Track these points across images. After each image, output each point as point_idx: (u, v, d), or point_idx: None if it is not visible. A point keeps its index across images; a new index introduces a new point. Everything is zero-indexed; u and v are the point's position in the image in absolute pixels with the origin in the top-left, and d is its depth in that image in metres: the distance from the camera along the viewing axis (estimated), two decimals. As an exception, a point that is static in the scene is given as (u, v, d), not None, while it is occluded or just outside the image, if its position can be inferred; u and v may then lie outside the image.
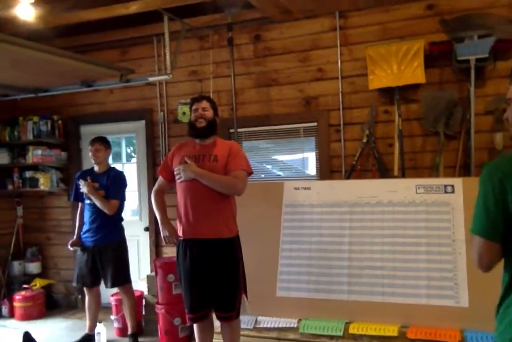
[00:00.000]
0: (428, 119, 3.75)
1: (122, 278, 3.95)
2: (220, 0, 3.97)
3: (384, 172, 3.83)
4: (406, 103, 3.86)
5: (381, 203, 3.45)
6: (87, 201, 3.96)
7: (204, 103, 3.06)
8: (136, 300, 4.09)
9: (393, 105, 3.81)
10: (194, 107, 3.07)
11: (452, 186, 3.32)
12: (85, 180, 3.94)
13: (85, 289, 4.05)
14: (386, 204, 3.43)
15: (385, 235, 3.37)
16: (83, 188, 3.90)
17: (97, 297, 4.06)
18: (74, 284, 4.10)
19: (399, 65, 3.76)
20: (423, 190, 3.38)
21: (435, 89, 3.79)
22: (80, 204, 4.10)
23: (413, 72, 3.73)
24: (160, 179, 3.19)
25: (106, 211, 3.84)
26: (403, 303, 3.17)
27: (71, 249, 4.01)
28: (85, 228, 3.98)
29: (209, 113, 3.05)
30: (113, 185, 3.93)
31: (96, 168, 4.05)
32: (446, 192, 3.32)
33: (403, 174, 3.72)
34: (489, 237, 1.47)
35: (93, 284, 3.99)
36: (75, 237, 4.03)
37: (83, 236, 3.98)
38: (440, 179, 3.48)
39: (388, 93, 3.88)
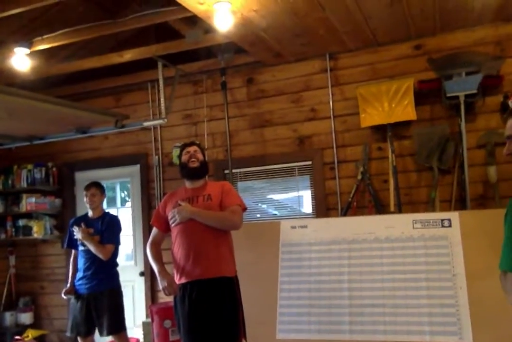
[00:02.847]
0: (421, 154, 3.80)
1: (118, 326, 3.81)
2: (213, 46, 4.11)
3: (380, 208, 3.83)
4: (399, 140, 3.92)
5: (379, 239, 3.42)
6: (81, 247, 3.89)
7: (195, 148, 3.14)
8: None
9: (386, 142, 3.87)
10: (185, 151, 3.13)
11: (449, 220, 3.31)
12: (79, 226, 3.89)
13: (79, 338, 3.91)
14: (384, 240, 3.41)
15: (384, 272, 3.32)
16: (77, 234, 3.85)
17: None
18: (68, 334, 3.96)
19: (390, 103, 3.85)
20: (420, 225, 3.36)
21: (427, 125, 3.86)
22: (73, 251, 4.02)
23: (404, 109, 3.82)
24: (154, 230, 3.13)
25: (101, 256, 3.77)
26: (406, 341, 3.08)
27: (65, 297, 3.90)
28: (79, 275, 3.88)
29: (200, 156, 3.12)
30: (108, 230, 3.88)
31: (90, 213, 4.02)
32: (443, 226, 3.31)
33: (399, 209, 3.73)
34: None
35: (88, 333, 3.84)
36: (68, 285, 3.92)
37: (77, 283, 3.87)
38: (437, 213, 3.47)
39: (380, 131, 3.96)
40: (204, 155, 3.18)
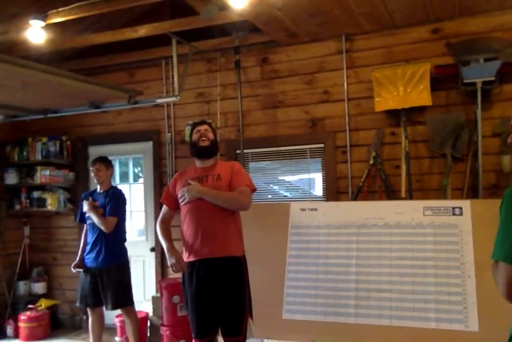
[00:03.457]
0: (434, 141, 3.76)
1: (123, 301, 3.88)
2: (227, 24, 4.04)
3: (391, 193, 3.82)
4: (413, 125, 3.87)
5: (388, 225, 3.43)
6: (89, 221, 3.96)
7: (206, 127, 3.12)
8: (139, 321, 4.03)
9: (400, 127, 3.83)
10: (196, 129, 3.11)
11: (460, 208, 3.29)
12: (88, 200, 3.96)
13: (88, 309, 4.02)
14: (393, 226, 3.41)
15: (392, 257, 3.34)
16: (84, 207, 3.93)
17: (100, 318, 4.01)
18: (77, 304, 4.07)
19: (405, 88, 3.79)
20: (430, 212, 3.36)
21: (441, 111, 3.81)
22: (85, 225, 4.10)
23: (419, 94, 3.76)
24: (164, 208, 3.16)
25: (103, 228, 3.82)
26: (412, 327, 3.12)
27: (74, 271, 3.99)
28: (88, 248, 3.96)
29: (211, 134, 3.11)
30: (110, 202, 3.92)
31: (98, 188, 4.07)
32: (454, 214, 3.30)
33: (410, 196, 3.71)
34: None
35: (96, 305, 3.94)
36: (78, 258, 4.00)
37: (86, 257, 3.95)
38: (448, 201, 3.45)
39: (394, 115, 3.91)
40: (215, 135, 3.16)
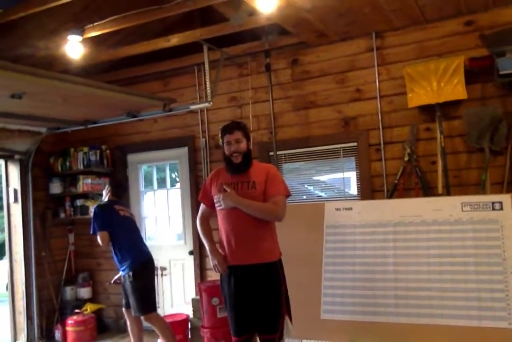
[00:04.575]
0: (471, 135, 3.67)
1: (140, 308, 3.90)
2: (257, 28, 4.09)
3: (427, 190, 3.75)
4: (448, 120, 3.80)
5: (426, 222, 3.35)
6: None
7: (236, 134, 2.93)
8: (167, 326, 4.01)
9: (435, 123, 3.77)
10: (226, 139, 2.94)
11: (500, 203, 3.19)
12: None
13: (124, 310, 4.12)
14: (431, 223, 3.34)
15: (431, 255, 3.27)
16: None
17: (134, 320, 4.07)
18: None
19: (439, 82, 3.73)
20: (469, 208, 3.27)
21: (477, 105, 3.72)
22: None
23: (453, 88, 3.69)
24: (202, 205, 3.16)
25: None
26: (454, 325, 3.04)
27: (108, 284, 4.12)
28: None
29: (243, 145, 2.94)
30: None
31: None
32: (494, 209, 3.20)
33: (448, 192, 3.63)
34: None
35: (127, 307, 4.06)
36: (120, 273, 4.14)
37: None
38: (487, 196, 3.36)
39: (428, 111, 3.84)
40: (248, 140, 2.99)
